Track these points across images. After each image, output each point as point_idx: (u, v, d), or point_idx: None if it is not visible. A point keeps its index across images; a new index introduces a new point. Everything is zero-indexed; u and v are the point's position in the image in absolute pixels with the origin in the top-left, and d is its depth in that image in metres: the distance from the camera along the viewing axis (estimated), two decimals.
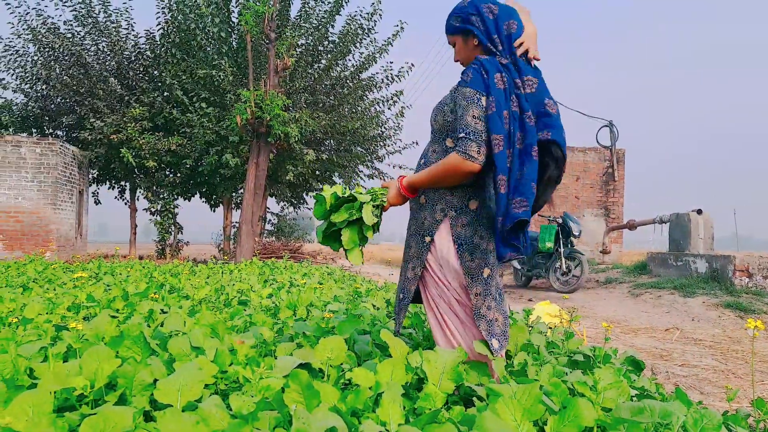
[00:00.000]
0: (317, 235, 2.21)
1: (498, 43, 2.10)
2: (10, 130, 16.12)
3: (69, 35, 15.76)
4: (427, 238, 2.15)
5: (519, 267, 10.99)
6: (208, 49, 14.88)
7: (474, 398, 1.87)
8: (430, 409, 1.69)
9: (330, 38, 16.01)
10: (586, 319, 6.80)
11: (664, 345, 5.33)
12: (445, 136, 2.16)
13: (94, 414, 1.38)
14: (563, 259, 9.95)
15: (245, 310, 3.53)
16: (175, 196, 16.83)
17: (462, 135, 1.96)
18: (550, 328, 3.45)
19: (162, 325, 2.73)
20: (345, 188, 2.24)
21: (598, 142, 15.68)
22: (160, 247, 16.80)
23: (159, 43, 16.18)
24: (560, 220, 10.22)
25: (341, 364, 2.02)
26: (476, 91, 1.98)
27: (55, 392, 1.62)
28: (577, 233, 10.07)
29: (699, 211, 10.47)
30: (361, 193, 2.19)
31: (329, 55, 16.05)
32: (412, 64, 16.59)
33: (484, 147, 1.95)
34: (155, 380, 1.68)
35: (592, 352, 2.48)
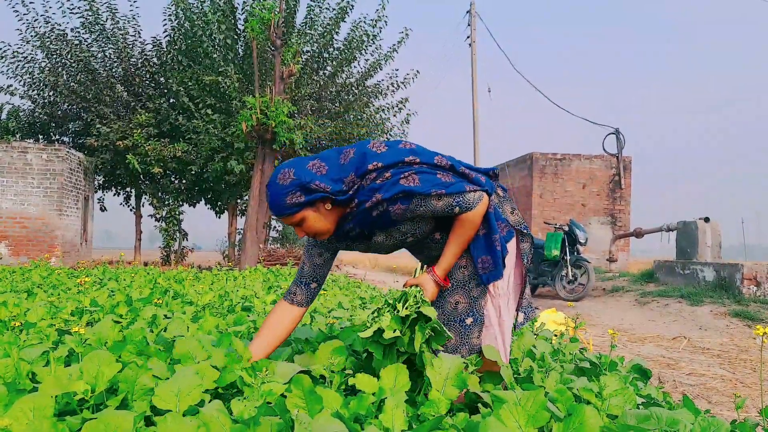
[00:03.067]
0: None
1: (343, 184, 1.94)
2: (17, 136, 16.22)
3: (76, 42, 15.87)
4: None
5: None
6: (215, 56, 14.97)
7: (479, 405, 1.85)
8: (434, 416, 1.67)
9: (335, 45, 16.07)
10: (592, 327, 6.76)
11: (671, 354, 5.29)
12: (432, 231, 2.08)
13: (95, 418, 1.37)
14: (569, 267, 9.90)
15: (249, 316, 3.51)
16: (181, 203, 16.88)
17: (456, 204, 1.93)
18: (556, 335, 3.42)
19: (165, 331, 2.72)
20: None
21: (604, 149, 15.66)
22: (165, 254, 16.83)
23: (166, 50, 16.28)
24: (566, 228, 10.17)
25: (344, 369, 2.00)
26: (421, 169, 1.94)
27: (56, 396, 1.61)
28: (583, 241, 10.03)
29: (706, 219, 10.41)
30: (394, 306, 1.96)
31: (334, 62, 16.10)
32: (418, 71, 16.63)
33: (469, 184, 1.96)
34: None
35: (598, 359, 2.46)
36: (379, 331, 1.88)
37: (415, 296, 1.94)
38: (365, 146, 1.96)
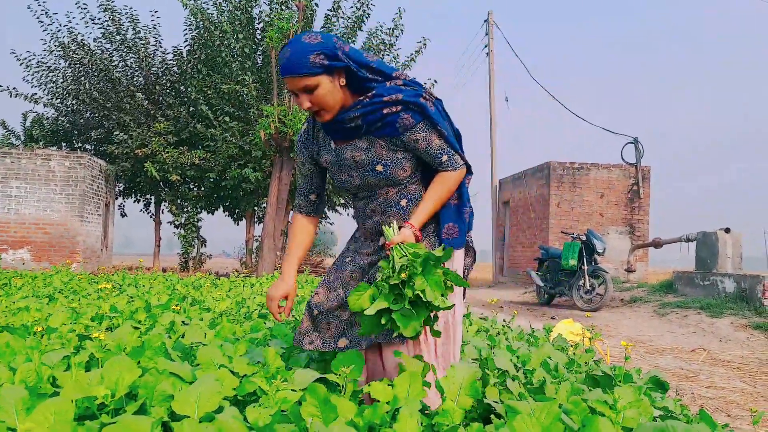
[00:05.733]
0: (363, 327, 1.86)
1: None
2: (41, 143, 16.53)
3: (98, 51, 16.16)
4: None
5: (542, 284, 10.86)
6: (233, 65, 15.14)
7: (492, 415, 1.85)
8: (448, 426, 1.67)
9: None
10: (610, 338, 6.70)
11: (690, 366, 5.22)
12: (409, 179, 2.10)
13: (114, 423, 1.40)
14: (587, 277, 9.82)
15: (266, 323, 3.54)
16: (199, 210, 17.05)
17: (446, 153, 2.01)
18: (571, 345, 3.40)
19: (183, 337, 2.76)
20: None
21: (623, 159, 15.53)
22: (183, 260, 16.98)
23: (186, 59, 16.50)
24: (584, 238, 10.10)
25: (359, 378, 2.01)
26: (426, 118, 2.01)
27: (76, 401, 1.64)
28: (601, 251, 9.94)
29: (727, 230, 10.27)
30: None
31: None
32: (435, 81, 16.66)
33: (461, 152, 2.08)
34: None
35: (613, 370, 2.44)
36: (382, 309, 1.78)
37: (405, 253, 1.83)
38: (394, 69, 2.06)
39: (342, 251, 2.34)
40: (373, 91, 1.95)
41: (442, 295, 1.80)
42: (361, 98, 1.96)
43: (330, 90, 1.90)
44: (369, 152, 2.02)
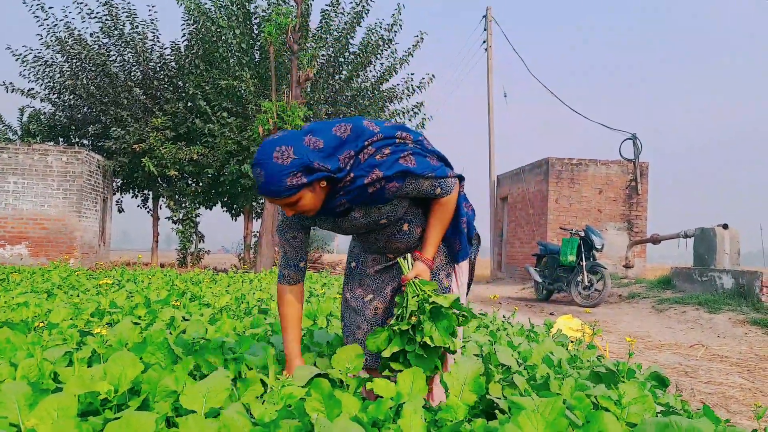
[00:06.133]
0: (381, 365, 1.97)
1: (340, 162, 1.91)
2: (38, 138, 16.46)
3: (95, 46, 16.10)
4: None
5: (540, 280, 10.87)
6: (231, 60, 15.07)
7: (496, 411, 1.85)
8: (452, 421, 1.67)
9: (350, 49, 16.12)
10: (608, 334, 6.71)
11: (688, 361, 5.23)
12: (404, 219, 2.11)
13: (118, 418, 1.40)
14: (585, 273, 9.83)
15: (266, 319, 3.54)
16: (197, 205, 17.02)
17: (438, 186, 1.99)
18: (572, 341, 3.40)
19: (184, 332, 2.75)
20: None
21: (621, 155, 15.52)
22: (182, 256, 16.96)
23: (184, 54, 16.44)
24: (582, 234, 10.10)
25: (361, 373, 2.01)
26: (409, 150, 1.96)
27: (79, 396, 1.64)
28: (599, 247, 9.95)
29: (725, 226, 10.29)
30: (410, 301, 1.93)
31: (350, 67, 16.15)
32: (433, 75, 16.63)
33: (449, 170, 2.05)
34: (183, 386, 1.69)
35: (616, 366, 2.44)
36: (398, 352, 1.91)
37: (417, 293, 1.93)
38: (361, 122, 1.94)
39: (347, 269, 2.35)
40: (351, 175, 1.89)
41: (453, 335, 1.90)
42: (341, 185, 1.91)
43: (312, 197, 1.86)
44: (368, 216, 2.02)
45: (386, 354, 1.89)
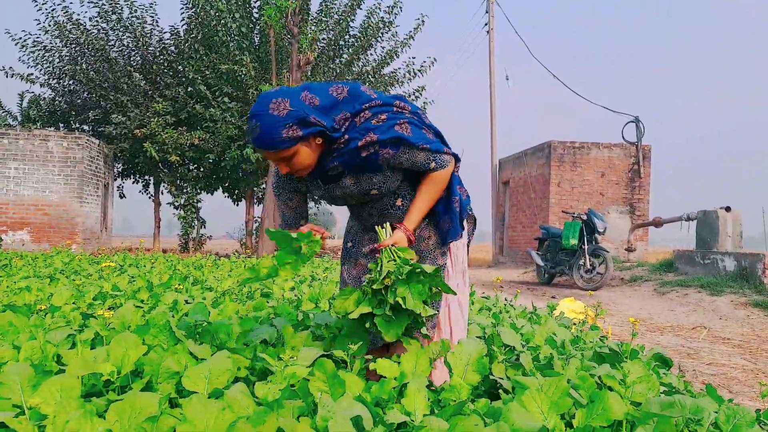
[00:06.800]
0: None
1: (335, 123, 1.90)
2: (38, 124, 16.41)
3: (94, 31, 15.99)
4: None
5: (542, 264, 10.87)
6: (231, 44, 14.97)
7: (500, 391, 1.85)
8: (455, 401, 1.67)
9: (351, 32, 16.00)
10: (611, 316, 6.72)
11: (690, 343, 5.24)
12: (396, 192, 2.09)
13: (121, 399, 1.39)
14: (587, 256, 9.83)
15: (268, 302, 3.54)
16: (199, 191, 17.00)
17: (433, 159, 1.96)
18: (575, 323, 3.40)
19: (186, 315, 2.75)
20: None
21: (623, 138, 15.45)
22: (183, 241, 16.98)
23: (183, 38, 16.33)
24: (585, 217, 10.08)
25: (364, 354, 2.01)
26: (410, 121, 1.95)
27: (82, 378, 1.64)
28: (601, 230, 9.93)
29: (727, 209, 10.25)
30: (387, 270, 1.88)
31: (351, 50, 16.04)
32: (435, 59, 16.53)
33: (445, 146, 2.02)
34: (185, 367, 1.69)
35: (619, 347, 2.44)
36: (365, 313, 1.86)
37: (393, 258, 1.88)
38: (359, 86, 1.94)
39: (344, 249, 2.34)
40: (346, 136, 1.88)
41: (425, 303, 1.83)
42: (335, 146, 1.89)
43: (308, 154, 1.86)
44: (359, 185, 1.99)
45: (354, 315, 1.83)
